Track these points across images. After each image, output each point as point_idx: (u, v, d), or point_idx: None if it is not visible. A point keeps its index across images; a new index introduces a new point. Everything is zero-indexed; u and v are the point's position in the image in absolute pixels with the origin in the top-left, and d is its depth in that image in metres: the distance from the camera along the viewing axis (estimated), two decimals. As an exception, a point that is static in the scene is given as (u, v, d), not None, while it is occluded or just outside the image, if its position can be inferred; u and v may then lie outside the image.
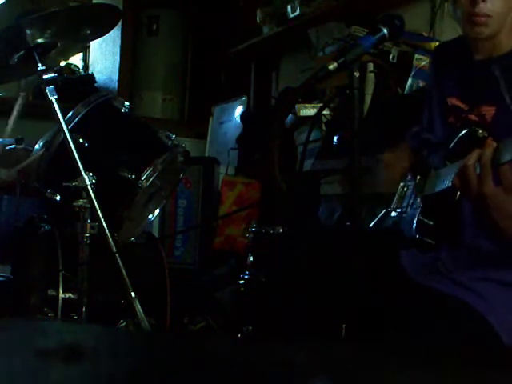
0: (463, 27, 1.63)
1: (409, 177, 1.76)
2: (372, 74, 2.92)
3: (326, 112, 3.08)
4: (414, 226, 1.58)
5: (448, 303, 1.51)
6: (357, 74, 1.51)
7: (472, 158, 1.35)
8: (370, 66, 2.92)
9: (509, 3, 1.59)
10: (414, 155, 1.82)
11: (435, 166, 1.61)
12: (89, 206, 2.10)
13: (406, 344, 1.42)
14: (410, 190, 1.73)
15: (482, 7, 1.55)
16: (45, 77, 2.06)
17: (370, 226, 1.78)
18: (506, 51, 1.62)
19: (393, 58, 2.86)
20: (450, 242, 1.60)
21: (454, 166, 1.46)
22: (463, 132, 1.54)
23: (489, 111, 1.58)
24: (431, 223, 1.55)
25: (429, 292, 1.55)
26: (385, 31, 1.53)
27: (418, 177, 1.70)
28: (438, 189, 1.54)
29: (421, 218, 1.56)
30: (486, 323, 1.45)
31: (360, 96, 1.56)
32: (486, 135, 1.51)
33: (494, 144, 1.36)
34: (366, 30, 2.94)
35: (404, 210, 1.70)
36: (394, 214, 1.73)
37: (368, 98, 2.91)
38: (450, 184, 1.43)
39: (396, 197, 1.76)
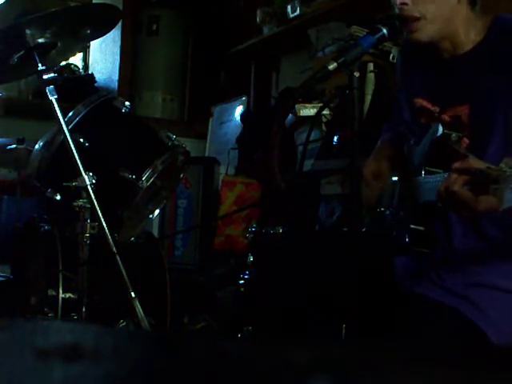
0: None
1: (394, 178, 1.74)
2: (372, 74, 2.92)
3: (326, 112, 3.08)
4: (406, 235, 1.57)
5: (440, 311, 1.51)
6: (357, 74, 1.51)
7: (454, 184, 1.31)
8: (370, 66, 2.92)
9: (445, 3, 1.54)
10: (394, 150, 1.79)
11: (415, 170, 1.59)
12: (89, 206, 2.10)
13: (400, 350, 1.42)
14: (398, 189, 1.72)
15: (408, 10, 1.51)
16: (45, 77, 2.06)
17: (366, 227, 1.77)
18: (467, 49, 1.58)
19: (393, 58, 2.86)
20: (441, 244, 1.59)
21: (435, 178, 1.45)
22: (437, 136, 1.52)
23: (463, 111, 1.56)
24: (422, 229, 1.54)
25: (421, 300, 1.55)
26: (385, 31, 1.53)
27: (401, 180, 1.69)
28: (422, 199, 1.53)
29: (412, 226, 1.55)
30: (477, 329, 1.46)
31: (360, 96, 1.56)
32: (460, 136, 1.50)
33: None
34: (365, 29, 2.94)
35: (395, 210, 1.69)
36: (387, 213, 1.72)
37: (368, 98, 2.91)
38: (435, 199, 1.41)
39: (386, 195, 1.75)
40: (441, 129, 1.50)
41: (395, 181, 1.73)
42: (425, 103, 1.63)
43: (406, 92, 1.76)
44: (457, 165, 1.31)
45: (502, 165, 1.18)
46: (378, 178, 1.75)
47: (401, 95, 1.80)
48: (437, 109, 1.60)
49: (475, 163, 1.29)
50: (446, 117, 1.56)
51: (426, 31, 1.54)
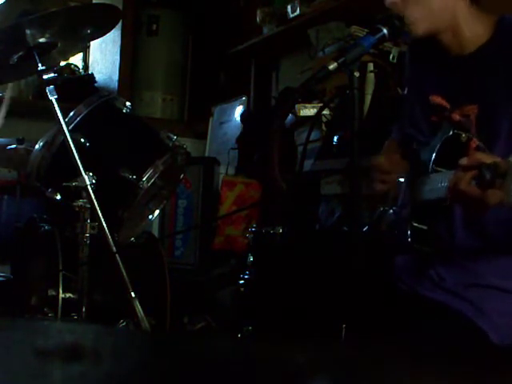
0: None
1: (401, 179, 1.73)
2: (372, 74, 2.92)
3: (326, 112, 3.08)
4: (408, 232, 1.56)
5: (440, 312, 1.51)
6: (357, 74, 1.51)
7: (461, 182, 1.31)
8: (370, 66, 2.92)
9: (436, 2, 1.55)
10: (402, 149, 1.78)
11: (423, 169, 1.58)
12: (89, 206, 2.10)
13: (400, 350, 1.42)
14: (404, 188, 1.70)
15: (397, 10, 1.53)
16: (45, 77, 2.06)
17: (367, 226, 1.77)
18: (474, 48, 1.58)
19: (393, 57, 2.86)
20: (443, 243, 1.59)
21: (442, 176, 1.45)
22: (447, 136, 1.51)
23: (472, 110, 1.56)
24: (425, 228, 1.54)
25: (421, 300, 1.55)
26: (385, 31, 1.53)
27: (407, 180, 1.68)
28: (427, 197, 1.52)
29: (415, 224, 1.54)
30: (478, 330, 1.46)
31: (360, 96, 1.55)
32: (470, 137, 1.50)
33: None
34: (365, 29, 2.94)
35: (398, 209, 1.69)
36: (390, 212, 1.71)
37: (368, 98, 2.91)
38: (442, 196, 1.41)
39: (391, 194, 1.74)
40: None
41: (401, 181, 1.72)
42: (440, 100, 1.62)
43: (415, 91, 1.75)
44: (463, 162, 1.31)
45: (511, 159, 1.19)
46: (386, 173, 1.70)
47: (410, 95, 1.80)
48: (448, 105, 1.60)
49: (483, 157, 1.29)
50: (456, 116, 1.56)
51: (418, 27, 1.54)
